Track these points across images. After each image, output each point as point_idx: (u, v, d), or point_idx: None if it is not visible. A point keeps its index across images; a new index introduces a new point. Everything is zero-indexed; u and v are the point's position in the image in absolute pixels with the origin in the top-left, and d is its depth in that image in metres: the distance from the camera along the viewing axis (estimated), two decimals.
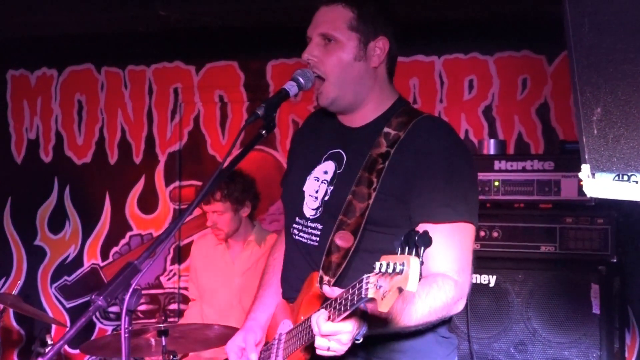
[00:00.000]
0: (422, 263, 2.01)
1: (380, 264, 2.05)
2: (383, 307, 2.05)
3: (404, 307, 2.43)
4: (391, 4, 2.90)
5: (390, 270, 2.01)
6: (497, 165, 4.21)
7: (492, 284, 4.14)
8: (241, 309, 4.98)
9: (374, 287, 2.09)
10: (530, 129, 5.43)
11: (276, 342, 2.83)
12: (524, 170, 4.18)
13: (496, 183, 4.19)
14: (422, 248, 2.02)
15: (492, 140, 4.48)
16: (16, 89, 6.44)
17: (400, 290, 2.00)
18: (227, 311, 5.09)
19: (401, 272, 1.99)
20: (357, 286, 2.19)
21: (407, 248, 2.03)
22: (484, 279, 4.16)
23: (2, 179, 6.46)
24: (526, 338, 4.09)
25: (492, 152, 4.41)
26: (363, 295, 2.14)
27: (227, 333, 4.06)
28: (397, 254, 2.04)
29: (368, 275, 2.13)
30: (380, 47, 2.78)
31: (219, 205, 4.99)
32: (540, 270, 4.10)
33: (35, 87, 6.41)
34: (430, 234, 2.54)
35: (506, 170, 4.20)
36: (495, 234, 4.16)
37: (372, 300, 2.12)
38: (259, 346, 2.92)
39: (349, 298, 2.24)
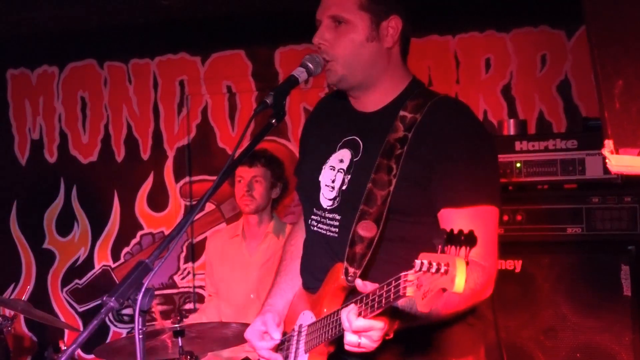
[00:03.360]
0: (467, 264, 1.99)
1: (422, 263, 2.03)
2: (424, 308, 2.06)
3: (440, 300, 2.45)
4: None
5: (433, 270, 2.00)
6: (518, 146, 4.18)
7: (517, 270, 4.12)
8: (260, 303, 4.94)
9: (413, 285, 2.09)
10: (551, 107, 5.43)
11: (296, 333, 2.83)
12: (546, 150, 4.13)
13: (518, 164, 4.16)
14: (468, 248, 2.02)
15: (512, 120, 4.46)
16: (17, 88, 6.49)
17: (444, 290, 2.01)
18: (245, 307, 5.08)
19: (446, 272, 1.98)
20: (394, 284, 2.19)
21: (448, 247, 2.01)
22: (509, 264, 4.15)
23: (6, 182, 6.52)
24: (556, 324, 4.04)
25: (512, 132, 4.38)
26: (401, 294, 2.14)
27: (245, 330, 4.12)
28: (437, 252, 2.03)
29: (406, 272, 2.13)
30: (393, 26, 2.75)
31: (261, 170, 5.05)
32: (567, 253, 4.07)
33: (36, 86, 6.45)
34: (453, 219, 2.52)
35: (528, 151, 4.16)
36: (519, 218, 4.12)
37: (408, 297, 2.13)
38: (280, 327, 2.88)
39: (384, 295, 2.24)
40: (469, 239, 2.02)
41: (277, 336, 2.82)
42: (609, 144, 1.87)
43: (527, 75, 5.48)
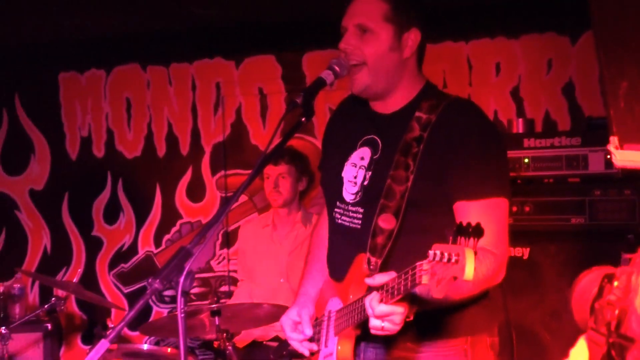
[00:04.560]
0: (476, 254, 2.02)
1: (435, 253, 2.05)
2: (438, 294, 2.07)
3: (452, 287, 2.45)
4: None
5: (445, 260, 2.02)
6: (526, 143, 4.19)
7: (525, 257, 4.14)
8: (289, 287, 5.04)
9: (427, 274, 2.10)
10: (556, 107, 5.38)
11: (326, 318, 2.84)
12: (552, 146, 4.15)
13: (526, 160, 4.17)
14: (476, 239, 2.03)
15: (520, 120, 4.47)
16: (68, 89, 6.48)
17: (456, 278, 2.02)
18: (275, 290, 5.13)
19: (457, 262, 2.00)
20: (411, 272, 2.21)
21: (459, 238, 2.03)
22: (517, 252, 4.16)
23: (59, 176, 6.52)
24: (560, 307, 4.05)
25: (521, 130, 4.40)
26: (417, 282, 2.16)
27: (276, 311, 4.14)
28: (448, 243, 2.05)
29: (421, 262, 2.14)
30: (412, 38, 2.75)
31: (285, 167, 5.10)
32: (571, 241, 4.08)
33: (85, 87, 6.44)
34: (467, 211, 2.51)
35: (535, 148, 4.18)
36: (527, 209, 4.14)
37: (424, 285, 2.15)
38: (312, 320, 2.92)
39: (402, 283, 2.26)
40: (476, 231, 2.03)
41: (309, 332, 2.85)
42: (614, 140, 1.84)
43: (534, 78, 5.44)
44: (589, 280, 1.95)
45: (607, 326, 1.73)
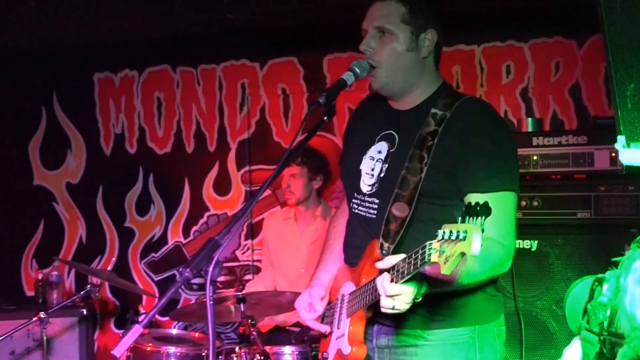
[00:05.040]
0: (483, 231, 2.01)
1: (443, 232, 2.07)
2: (446, 270, 2.08)
3: (459, 268, 2.46)
4: None
5: (453, 237, 2.03)
6: (535, 141, 4.17)
7: (534, 249, 4.12)
8: (309, 276, 4.93)
9: (436, 252, 2.11)
10: (564, 107, 5.39)
11: (339, 302, 2.86)
12: (559, 144, 4.13)
13: (534, 157, 4.16)
14: (483, 217, 2.03)
15: (529, 119, 4.44)
16: (102, 89, 6.49)
17: (463, 254, 2.03)
18: (297, 279, 5.14)
19: (464, 238, 2.00)
20: (420, 252, 2.22)
21: (467, 218, 2.04)
22: (526, 244, 4.14)
23: (93, 170, 6.52)
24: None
25: (529, 129, 4.37)
26: (426, 260, 2.17)
27: (297, 299, 4.14)
28: (457, 223, 2.06)
29: (430, 242, 2.15)
30: (429, 39, 2.78)
31: (297, 168, 5.04)
32: (577, 234, 4.06)
33: (119, 87, 6.45)
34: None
35: (543, 146, 4.16)
36: (535, 203, 4.11)
37: (433, 264, 2.16)
38: (324, 300, 2.95)
39: (412, 263, 2.27)
40: (484, 209, 2.04)
41: (320, 309, 2.90)
42: (621, 139, 1.86)
43: (543, 79, 5.45)
44: (579, 288, 1.97)
45: (599, 325, 1.75)
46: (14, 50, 6.19)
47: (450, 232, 2.04)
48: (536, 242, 4.13)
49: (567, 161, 4.13)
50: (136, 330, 2.20)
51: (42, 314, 4.63)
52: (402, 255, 2.38)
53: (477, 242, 1.98)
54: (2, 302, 5.96)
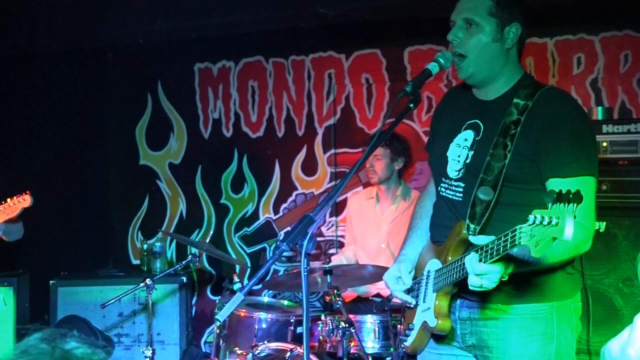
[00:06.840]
0: (575, 217, 1.98)
1: (534, 217, 2.03)
2: (536, 254, 2.06)
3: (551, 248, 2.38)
4: None
5: (545, 223, 2.00)
6: (605, 128, 4.16)
7: (602, 229, 4.09)
8: (389, 251, 5.09)
9: (527, 236, 2.08)
10: (632, 97, 5.38)
11: (425, 277, 2.87)
12: (628, 132, 4.12)
13: (604, 144, 4.14)
14: (575, 204, 1.99)
15: (599, 108, 4.43)
16: (202, 78, 6.61)
17: (554, 239, 2.00)
18: (377, 254, 5.18)
19: (557, 224, 1.97)
20: (510, 235, 2.20)
21: (559, 204, 2.00)
22: (595, 225, 4.14)
23: (193, 151, 6.67)
24: (632, 275, 4.06)
25: (599, 117, 4.35)
26: (517, 242, 2.15)
27: (378, 272, 4.25)
28: (547, 208, 2.02)
29: (521, 226, 2.12)
30: (514, 31, 2.77)
31: (380, 150, 5.03)
32: None
33: (217, 77, 6.57)
34: (559, 187, 2.56)
35: (613, 133, 4.15)
36: (604, 187, 4.10)
37: (522, 246, 2.14)
38: (411, 274, 2.94)
39: (502, 244, 2.25)
40: (576, 197, 2.00)
41: (409, 282, 2.89)
42: None
43: (612, 71, 5.43)
44: None
45: None
46: (127, 44, 6.38)
47: (542, 217, 2.00)
48: (604, 223, 4.09)
49: (634, 147, 4.11)
50: (238, 298, 2.28)
51: (148, 280, 4.72)
52: (492, 237, 2.34)
53: (569, 228, 1.95)
54: (112, 269, 6.23)
